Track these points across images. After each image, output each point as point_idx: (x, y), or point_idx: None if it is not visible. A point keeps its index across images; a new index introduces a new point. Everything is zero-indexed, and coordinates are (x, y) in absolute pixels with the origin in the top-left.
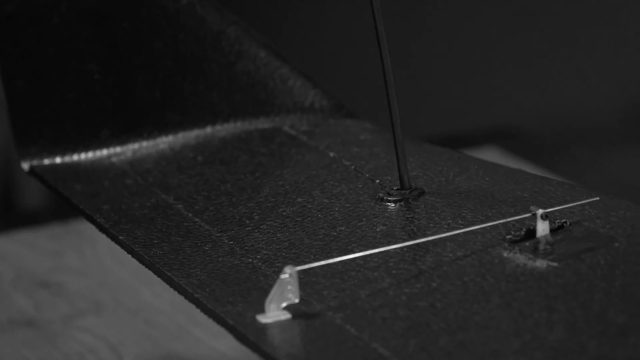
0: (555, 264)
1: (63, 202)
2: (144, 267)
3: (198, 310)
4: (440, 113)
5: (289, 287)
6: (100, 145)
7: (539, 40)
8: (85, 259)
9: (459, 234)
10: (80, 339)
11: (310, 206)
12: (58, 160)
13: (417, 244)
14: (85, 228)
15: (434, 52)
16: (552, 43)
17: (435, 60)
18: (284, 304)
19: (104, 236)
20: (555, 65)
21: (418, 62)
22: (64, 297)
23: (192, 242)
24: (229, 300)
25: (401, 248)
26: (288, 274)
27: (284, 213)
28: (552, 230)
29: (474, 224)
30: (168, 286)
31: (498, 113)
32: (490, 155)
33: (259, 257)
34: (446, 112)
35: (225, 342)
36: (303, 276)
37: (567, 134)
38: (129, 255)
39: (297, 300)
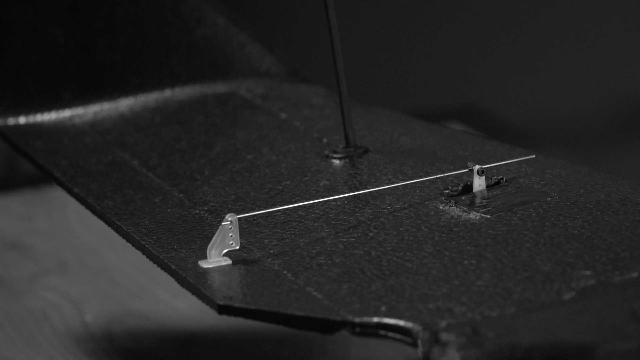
0: (488, 216)
1: (24, 158)
2: (109, 230)
3: (159, 271)
4: (408, 87)
5: (230, 234)
6: (62, 106)
7: (518, 23)
8: (54, 222)
9: (398, 187)
10: (44, 296)
11: (258, 162)
12: (22, 120)
13: (358, 198)
14: (57, 194)
15: (408, 26)
16: (530, 27)
17: (407, 35)
18: (225, 251)
19: (73, 201)
20: (533, 50)
21: (391, 36)
22: (31, 258)
23: (143, 195)
24: (173, 247)
25: (342, 201)
26: (229, 221)
27: (233, 169)
28: (489, 186)
29: (413, 179)
30: (131, 248)
31: (466, 91)
32: None
33: (206, 208)
34: (414, 87)
35: (184, 300)
36: (247, 226)
37: (535, 119)
38: (96, 219)
39: (237, 247)
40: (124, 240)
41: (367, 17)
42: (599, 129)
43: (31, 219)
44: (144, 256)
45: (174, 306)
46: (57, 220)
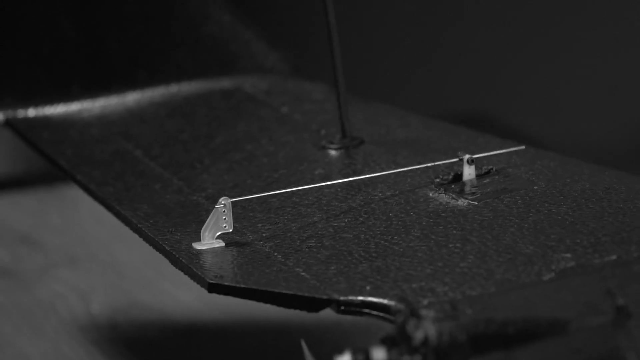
0: (475, 203)
1: (31, 148)
2: (120, 226)
3: (166, 265)
4: (419, 94)
5: (224, 217)
6: (71, 99)
7: (535, 31)
8: (66, 218)
9: (390, 175)
10: (53, 288)
11: (257, 152)
12: (31, 113)
13: (351, 185)
14: (70, 192)
15: (426, 33)
16: (548, 36)
17: (423, 42)
18: (219, 233)
19: (86, 198)
20: (550, 58)
21: (405, 43)
22: (42, 251)
23: (143, 182)
24: (169, 230)
25: (335, 188)
26: (223, 204)
27: (232, 158)
28: (479, 176)
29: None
30: (141, 243)
31: (475, 99)
32: None
33: (203, 195)
34: (426, 93)
35: (190, 293)
36: (242, 211)
37: (541, 124)
38: (108, 216)
39: (230, 230)
40: (134, 235)
41: (383, 21)
42: (619, 147)
43: (44, 215)
44: (153, 250)
45: (179, 299)
46: (69, 217)
